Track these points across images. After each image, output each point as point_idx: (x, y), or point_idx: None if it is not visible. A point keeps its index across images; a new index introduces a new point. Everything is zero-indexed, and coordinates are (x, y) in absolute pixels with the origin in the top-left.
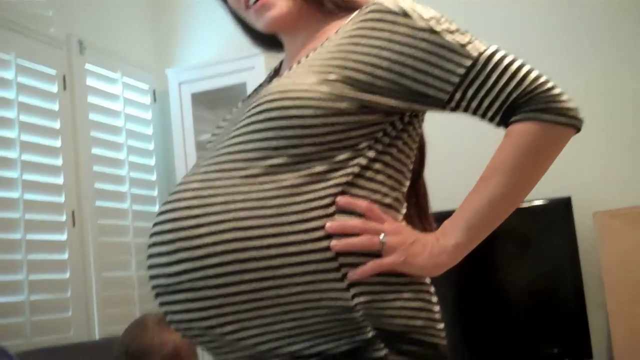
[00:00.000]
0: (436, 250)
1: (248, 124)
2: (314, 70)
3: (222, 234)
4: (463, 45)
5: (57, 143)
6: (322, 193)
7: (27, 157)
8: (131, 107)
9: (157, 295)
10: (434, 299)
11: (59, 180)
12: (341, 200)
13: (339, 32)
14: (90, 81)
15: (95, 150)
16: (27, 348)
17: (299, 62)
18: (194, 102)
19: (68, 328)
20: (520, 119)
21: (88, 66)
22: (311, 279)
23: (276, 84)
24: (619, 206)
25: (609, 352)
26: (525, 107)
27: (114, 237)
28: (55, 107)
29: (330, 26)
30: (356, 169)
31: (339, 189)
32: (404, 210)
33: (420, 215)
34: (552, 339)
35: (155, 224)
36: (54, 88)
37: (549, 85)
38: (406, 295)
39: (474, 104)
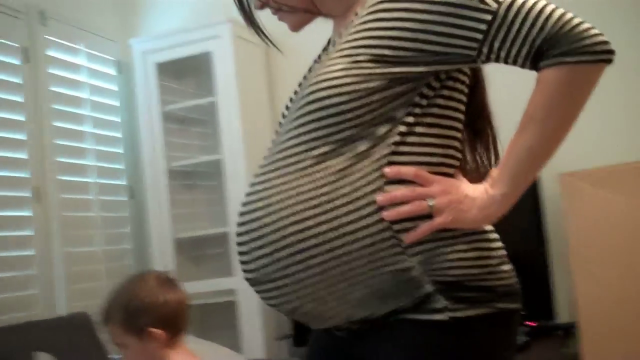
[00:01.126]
0: (486, 202)
1: (295, 119)
2: (343, 54)
3: (284, 229)
4: (481, 0)
5: (21, 117)
6: (369, 169)
7: None
8: (95, 79)
9: (251, 285)
10: (493, 245)
11: (23, 155)
12: (388, 171)
13: (367, 6)
14: (53, 53)
15: (59, 124)
16: None
17: (334, 43)
18: (159, 72)
19: (34, 305)
20: (547, 64)
21: (50, 37)
22: (370, 250)
23: (314, 75)
24: (585, 167)
25: (573, 314)
26: (551, 50)
27: (79, 211)
28: (18, 80)
29: (357, 2)
30: (397, 138)
31: (385, 160)
32: (456, 162)
33: (489, 157)
34: None
35: (238, 227)
36: (16, 61)
37: (573, 23)
38: (460, 247)
39: (503, 54)
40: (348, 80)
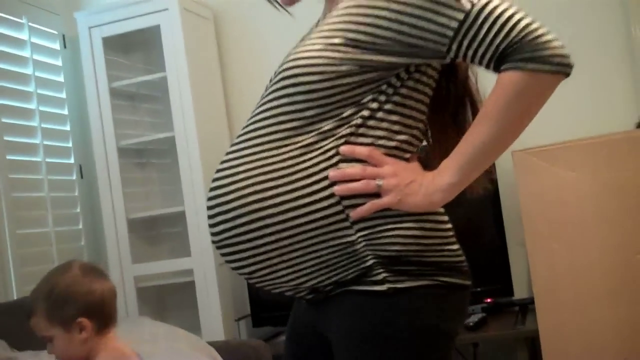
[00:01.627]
0: (431, 189)
1: (269, 93)
2: (322, 35)
3: (245, 197)
4: None
5: None
6: (328, 146)
7: None
8: (39, 54)
9: (217, 249)
10: (439, 226)
11: None
12: (343, 148)
13: None
14: None
15: (3, 101)
16: None
17: (317, 24)
18: (105, 46)
19: None
20: (507, 67)
21: None
22: (321, 223)
23: (293, 52)
24: (538, 144)
25: (530, 290)
26: (513, 56)
27: (28, 192)
28: None
29: None
30: (359, 121)
31: (343, 140)
32: (413, 148)
33: (440, 149)
34: (474, 278)
35: (209, 192)
36: None
37: (537, 33)
38: (404, 225)
39: (470, 53)
40: (321, 61)
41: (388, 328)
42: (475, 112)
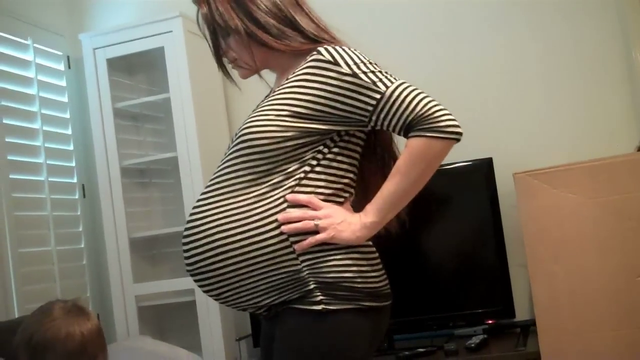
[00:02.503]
0: (357, 227)
1: (230, 153)
2: (271, 107)
3: (212, 236)
4: (375, 83)
5: None
6: (278, 196)
7: None
8: (44, 75)
9: (190, 275)
10: (367, 255)
11: None
12: (288, 196)
13: (295, 73)
14: None
15: (8, 120)
16: None
17: (271, 94)
18: (110, 67)
19: None
20: (413, 135)
21: None
22: (273, 255)
23: (248, 119)
24: (539, 167)
25: (531, 311)
26: (417, 126)
27: (30, 211)
28: None
29: (295, 63)
30: (302, 175)
31: (289, 190)
32: (346, 194)
33: (367, 196)
34: (476, 299)
35: (184, 231)
36: None
37: (435, 109)
38: (339, 256)
39: (385, 124)
40: (271, 128)
41: (315, 340)
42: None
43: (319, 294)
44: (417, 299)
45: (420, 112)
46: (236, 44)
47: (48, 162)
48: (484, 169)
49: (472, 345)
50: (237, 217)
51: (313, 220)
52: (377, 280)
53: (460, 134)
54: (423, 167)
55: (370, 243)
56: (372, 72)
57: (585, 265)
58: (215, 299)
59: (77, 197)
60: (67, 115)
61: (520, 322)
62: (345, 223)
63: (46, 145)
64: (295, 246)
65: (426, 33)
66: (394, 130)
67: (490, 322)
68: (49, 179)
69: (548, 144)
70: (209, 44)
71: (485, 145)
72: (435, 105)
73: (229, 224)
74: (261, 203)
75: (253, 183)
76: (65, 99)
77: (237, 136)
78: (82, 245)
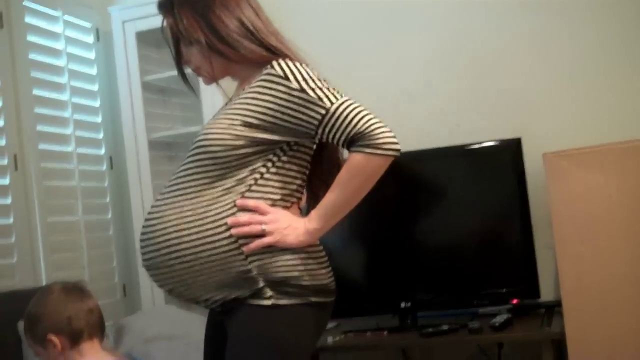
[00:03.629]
0: (301, 232)
1: (190, 156)
2: (226, 116)
3: (167, 235)
4: (321, 99)
5: None
6: (229, 200)
7: None
8: (73, 47)
9: (145, 269)
10: (314, 255)
11: (0, 123)
12: (238, 201)
13: (251, 85)
14: (30, 19)
15: (37, 92)
16: None
17: (229, 102)
18: (138, 41)
19: (13, 274)
20: (353, 150)
21: (27, 3)
22: (224, 255)
23: (206, 126)
24: (569, 147)
25: (557, 292)
26: (357, 141)
27: (58, 181)
28: None
29: (254, 73)
30: (252, 181)
31: (240, 195)
32: (294, 199)
33: (315, 202)
34: (501, 279)
35: (142, 229)
36: None
37: (375, 126)
38: (286, 256)
39: (330, 138)
40: (223, 136)
41: (264, 336)
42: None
43: (268, 290)
44: (442, 276)
45: (361, 129)
46: (198, 54)
47: (77, 133)
48: (512, 149)
49: (496, 324)
50: (191, 218)
51: (260, 224)
52: (323, 278)
53: (398, 150)
54: (361, 180)
55: (318, 242)
56: (320, 88)
57: (612, 247)
58: (169, 293)
59: (104, 168)
60: (96, 88)
61: (544, 302)
62: (290, 228)
63: (75, 117)
64: (244, 248)
65: (456, 10)
66: (337, 144)
67: (514, 301)
68: (77, 150)
69: (578, 124)
70: (171, 52)
71: (514, 125)
72: (375, 123)
73: (183, 224)
74: (214, 206)
75: (207, 187)
76: (94, 72)
77: (195, 141)
78: (109, 216)
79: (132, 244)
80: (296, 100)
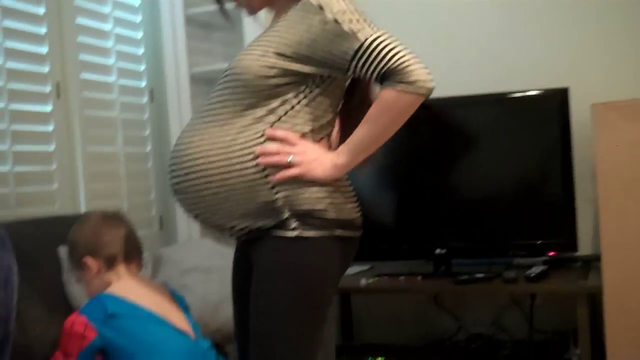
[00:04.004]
0: (328, 166)
1: (221, 83)
2: (260, 45)
3: (195, 160)
4: (355, 32)
5: (40, 10)
6: (258, 129)
7: (9, 23)
8: None
9: (173, 195)
10: (341, 189)
11: (43, 50)
12: (267, 131)
13: (285, 16)
14: None
15: (80, 20)
16: (12, 218)
17: (263, 33)
18: None
19: (53, 200)
20: (385, 86)
21: None
22: (250, 184)
23: (238, 55)
24: (619, 98)
25: (594, 247)
26: (390, 77)
27: (100, 111)
28: None
29: (290, 4)
30: (282, 112)
31: (270, 125)
32: (324, 134)
33: (344, 136)
34: (539, 230)
35: (171, 154)
36: None
37: (408, 62)
38: (312, 189)
39: (362, 73)
40: (257, 65)
41: (290, 263)
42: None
43: (294, 222)
44: (478, 225)
45: (394, 65)
46: None
47: (118, 64)
48: (558, 98)
49: (532, 275)
50: (219, 144)
51: (288, 155)
52: (350, 212)
53: (430, 89)
54: (391, 117)
55: (346, 176)
56: (356, 20)
57: None
58: (195, 219)
59: (145, 101)
60: (139, 19)
61: (582, 256)
62: (318, 161)
63: (117, 48)
64: (270, 178)
65: None
66: (369, 79)
67: (551, 254)
68: (119, 82)
69: (630, 75)
70: None
71: (562, 74)
72: (409, 60)
73: (212, 151)
74: (243, 134)
75: (237, 115)
76: (137, 2)
77: (227, 70)
78: (148, 149)
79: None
80: (330, 32)
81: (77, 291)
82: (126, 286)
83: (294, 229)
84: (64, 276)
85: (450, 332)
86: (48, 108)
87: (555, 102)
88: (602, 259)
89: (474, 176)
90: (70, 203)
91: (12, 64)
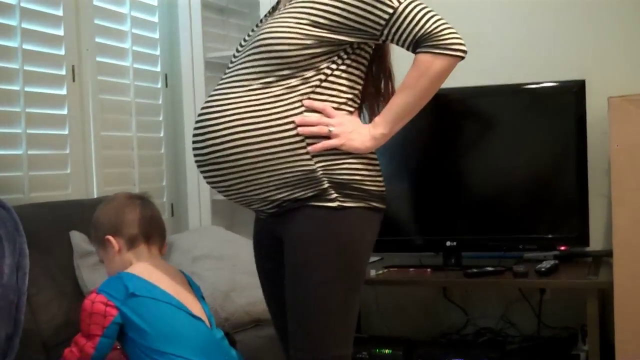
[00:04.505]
0: (367, 137)
1: (249, 54)
2: (291, 15)
3: (233, 128)
4: None
5: None
6: (295, 99)
7: (25, 4)
8: None
9: (198, 167)
10: (373, 162)
11: (59, 32)
12: (305, 102)
13: None
14: None
15: (97, 2)
16: (24, 202)
17: (286, 5)
18: None
19: (66, 184)
20: (420, 51)
21: None
22: (289, 153)
23: (267, 25)
24: (636, 92)
25: (605, 242)
26: (425, 43)
27: (114, 95)
28: None
29: None
30: (317, 82)
31: (306, 96)
32: (356, 105)
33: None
34: (550, 224)
35: (196, 123)
36: None
37: (442, 27)
38: (351, 160)
39: (395, 39)
40: (291, 35)
41: (333, 233)
42: (392, 83)
43: (333, 192)
44: (489, 218)
45: (428, 30)
46: None
47: (134, 48)
48: (575, 91)
49: (543, 269)
50: (257, 112)
51: (327, 126)
52: (381, 185)
53: (464, 52)
54: (428, 81)
55: (375, 151)
56: None
57: None
58: (223, 192)
59: (159, 85)
60: (155, 3)
61: (593, 251)
62: (356, 132)
63: (133, 31)
64: (310, 148)
65: None
66: (402, 45)
67: (562, 248)
68: (134, 66)
69: None
70: None
71: (579, 66)
72: (443, 24)
73: (249, 118)
74: (280, 103)
75: (268, 85)
76: None
77: (254, 41)
78: (162, 134)
79: (183, 164)
80: None
81: (87, 276)
82: (146, 268)
83: (334, 200)
84: (75, 261)
85: (458, 326)
86: (63, 91)
87: (572, 94)
88: (614, 255)
89: (487, 168)
90: (82, 188)
91: (27, 46)
